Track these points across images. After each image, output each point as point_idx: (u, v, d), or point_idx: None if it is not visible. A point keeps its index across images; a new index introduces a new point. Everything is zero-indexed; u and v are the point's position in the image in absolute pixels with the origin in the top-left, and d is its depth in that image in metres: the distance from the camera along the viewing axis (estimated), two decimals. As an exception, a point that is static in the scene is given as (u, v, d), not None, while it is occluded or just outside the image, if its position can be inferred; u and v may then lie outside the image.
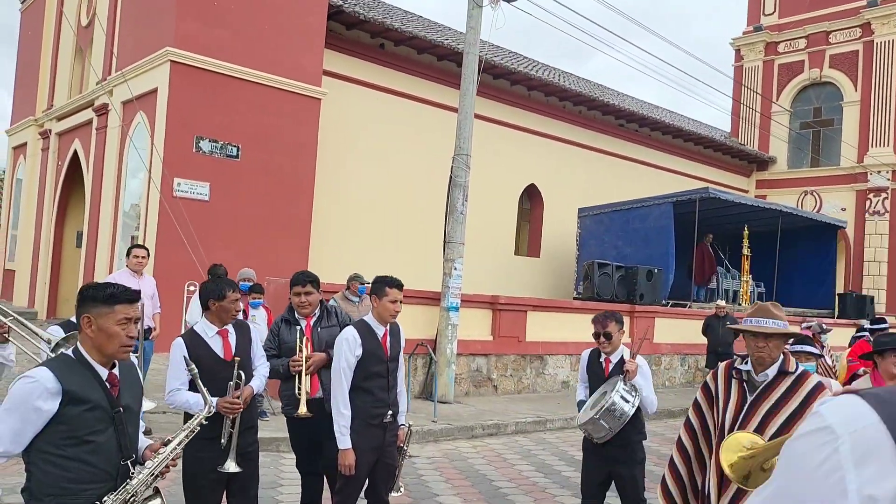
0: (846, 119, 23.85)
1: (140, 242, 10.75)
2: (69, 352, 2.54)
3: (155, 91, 12.29)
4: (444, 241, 10.30)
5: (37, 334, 3.78)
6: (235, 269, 10.38)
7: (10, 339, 3.66)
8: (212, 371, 3.68)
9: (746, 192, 24.38)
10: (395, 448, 4.23)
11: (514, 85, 17.75)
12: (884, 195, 22.60)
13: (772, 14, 26.04)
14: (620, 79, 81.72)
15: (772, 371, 3.06)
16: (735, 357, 3.29)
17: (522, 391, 11.62)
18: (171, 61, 12.07)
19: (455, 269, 10.10)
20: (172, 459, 2.65)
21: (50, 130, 17.83)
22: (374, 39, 15.30)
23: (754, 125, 25.93)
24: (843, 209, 23.04)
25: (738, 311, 14.89)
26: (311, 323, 4.58)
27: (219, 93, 12.52)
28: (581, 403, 4.88)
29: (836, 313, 19.07)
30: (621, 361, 4.52)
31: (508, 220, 18.02)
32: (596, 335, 4.56)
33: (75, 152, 16.33)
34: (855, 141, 23.34)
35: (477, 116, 14.47)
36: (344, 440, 3.93)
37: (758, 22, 26.34)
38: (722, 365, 3.28)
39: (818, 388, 3.03)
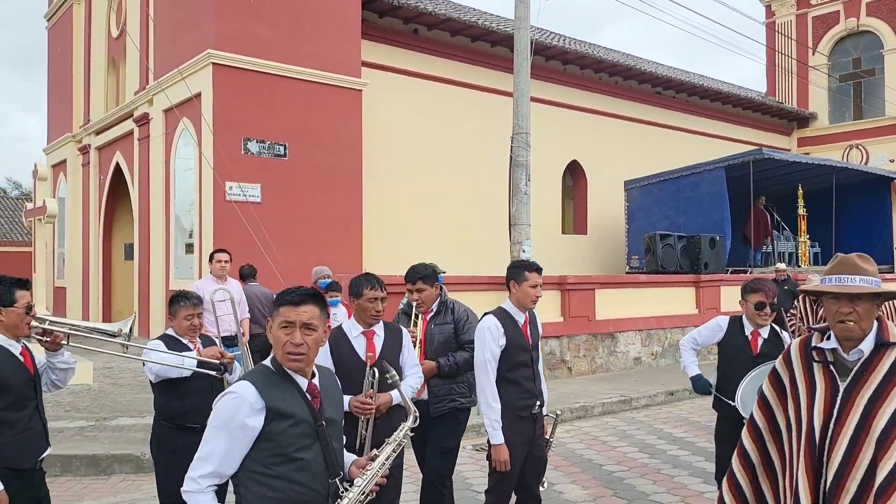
0: (888, 67, 23.09)
1: (207, 249, 10.64)
2: (268, 363, 2.35)
3: (198, 95, 12.14)
4: (510, 224, 10.04)
5: (103, 331, 3.71)
6: (294, 269, 10.30)
7: (64, 344, 3.49)
8: (351, 372, 3.53)
9: (788, 150, 23.76)
10: (542, 440, 4.04)
11: (549, 61, 17.36)
12: (935, 142, 21.89)
13: (800, -35, 25.27)
14: (636, 50, 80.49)
15: (867, 345, 2.30)
16: (811, 331, 2.52)
17: (596, 371, 11.39)
18: (214, 64, 11.92)
19: (524, 251, 9.85)
20: (382, 476, 2.45)
21: (89, 145, 17.83)
22: (408, 25, 15.03)
23: (791, 82, 25.25)
24: (892, 160, 22.35)
25: (800, 273, 14.51)
26: (427, 319, 4.39)
27: (262, 92, 12.35)
28: (698, 378, 4.55)
29: (896, 268, 18.54)
30: (775, 338, 4.23)
31: (553, 198, 17.70)
32: (761, 305, 4.21)
33: (117, 165, 16.30)
34: (900, 89, 22.61)
35: (509, 94, 14.28)
36: (497, 435, 3.74)
37: (788, -25, 25.58)
38: (794, 343, 2.54)
39: None
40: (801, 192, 16.66)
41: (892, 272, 17.86)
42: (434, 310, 4.42)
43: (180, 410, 3.83)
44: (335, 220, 13.01)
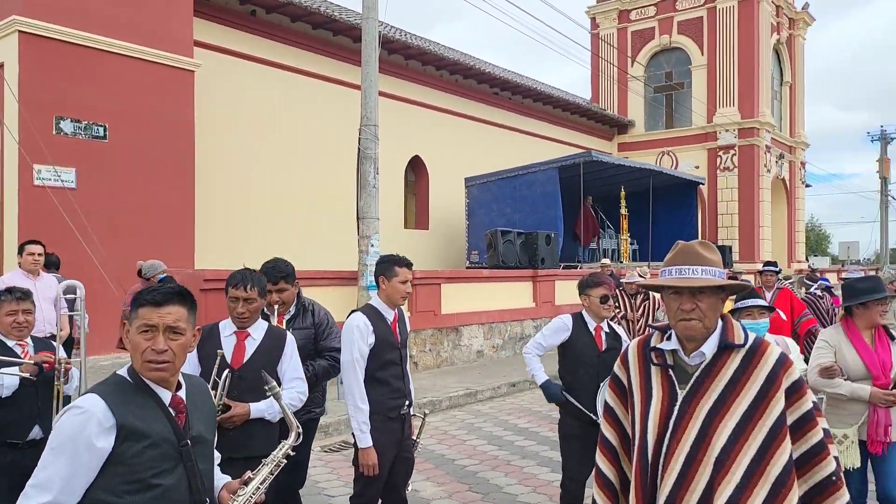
0: (695, 82, 25.54)
1: (11, 240, 9.36)
2: (124, 372, 1.99)
3: (1, 66, 10.68)
4: (358, 218, 9.81)
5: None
6: (117, 262, 9.36)
7: None
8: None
9: (611, 154, 25.54)
10: (410, 440, 3.89)
11: (392, 54, 17.27)
12: (732, 152, 24.52)
13: (622, -18, 27.22)
14: (468, 49, 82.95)
15: (709, 347, 2.03)
16: (651, 330, 2.24)
17: (441, 365, 11.47)
18: (20, 31, 10.52)
19: (372, 245, 9.66)
20: (256, 501, 2.16)
21: None
22: (245, 6, 14.24)
23: (613, 90, 27.16)
24: (697, 167, 24.74)
25: (621, 269, 15.59)
26: (283, 322, 4.03)
27: (79, 67, 11.10)
28: (548, 385, 4.22)
29: (701, 264, 20.52)
30: (612, 331, 4.21)
31: (396, 193, 17.66)
32: (605, 298, 4.14)
33: None
34: (704, 102, 25.07)
35: (354, 86, 14.01)
36: (365, 438, 3.54)
37: (610, -10, 27.45)
38: (633, 343, 2.26)
39: (783, 364, 2.02)
40: (623, 193, 17.94)
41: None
42: (291, 312, 4.10)
43: None
44: (164, 209, 12.02)
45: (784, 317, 7.35)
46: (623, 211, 18.04)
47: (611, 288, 4.22)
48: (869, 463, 3.85)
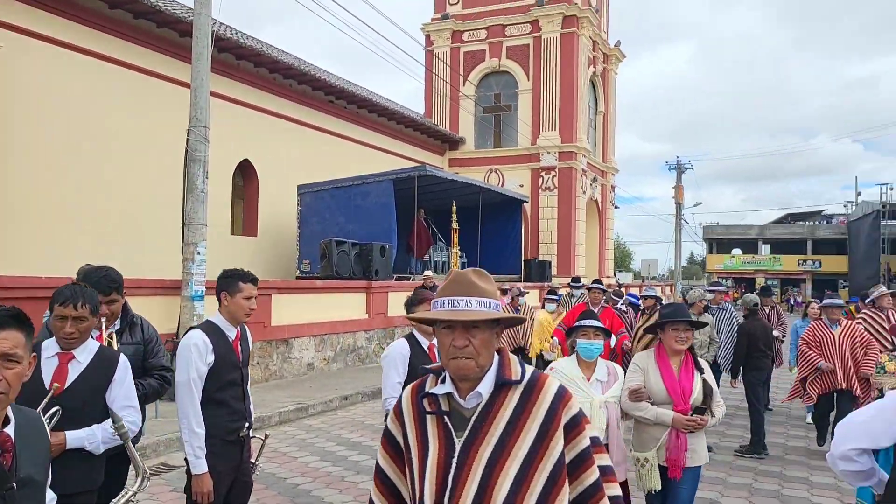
0: (521, 105, 26.96)
1: None
2: None
3: None
4: (183, 223, 9.22)
5: None
6: None
7: None
8: (28, 403, 2.78)
9: (442, 168, 26.21)
10: (249, 464, 3.69)
11: (223, 53, 16.50)
12: (553, 173, 26.12)
13: (456, 4, 28.13)
14: (303, 54, 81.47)
15: (485, 387, 1.85)
16: (426, 372, 2.01)
17: (270, 378, 11.06)
18: None
19: (198, 253, 9.12)
20: None
21: None
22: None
23: (446, 107, 27.93)
24: (521, 185, 26.10)
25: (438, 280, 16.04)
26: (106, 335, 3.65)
27: None
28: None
29: (523, 277, 21.65)
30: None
31: (223, 197, 16.84)
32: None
33: None
34: (529, 124, 26.53)
35: (182, 83, 13.20)
36: (200, 464, 3.29)
37: (444, 10, 28.27)
38: (405, 392, 2.02)
39: (562, 398, 1.87)
40: (454, 207, 18.45)
41: (521, 280, 20.80)
42: (117, 325, 3.74)
43: None
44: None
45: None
46: (454, 224, 18.54)
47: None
48: None
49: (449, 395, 1.88)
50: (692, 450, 3.86)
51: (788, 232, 53.67)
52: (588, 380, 3.87)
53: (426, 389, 1.92)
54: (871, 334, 7.56)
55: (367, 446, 7.69)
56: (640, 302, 10.09)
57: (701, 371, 3.97)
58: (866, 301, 9.30)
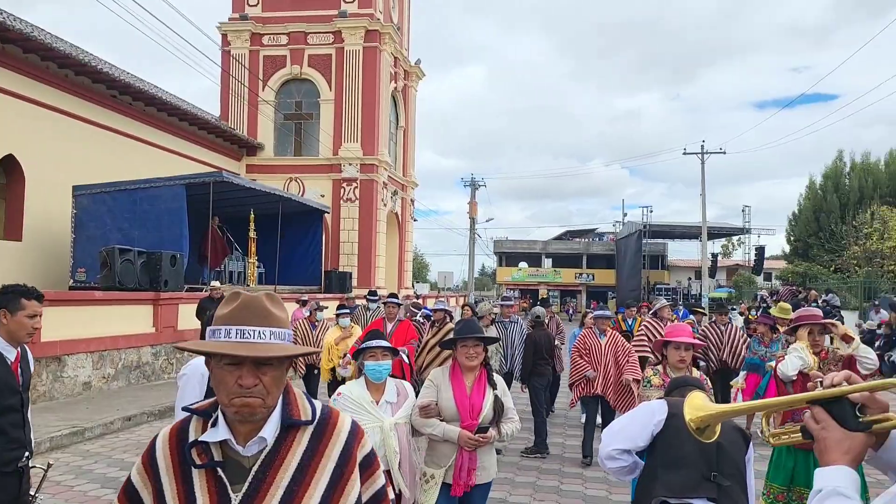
0: (323, 114, 26.82)
1: None
2: None
3: None
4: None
5: None
6: None
7: None
8: None
9: (238, 175, 25.24)
10: (28, 496, 3.33)
11: (-17, 33, 14.63)
12: (354, 185, 26.27)
13: (256, 6, 27.34)
14: (81, 41, 74.20)
15: (270, 430, 1.60)
16: (189, 413, 1.69)
17: (38, 400, 9.90)
18: None
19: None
20: None
21: None
22: None
23: (244, 111, 26.97)
24: (323, 196, 25.93)
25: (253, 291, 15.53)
26: None
27: None
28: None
29: (323, 288, 21.51)
30: None
31: (-20, 197, 14.87)
32: None
33: None
34: (330, 135, 26.47)
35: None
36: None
37: (243, 10, 27.34)
38: (160, 438, 1.68)
39: (356, 435, 1.71)
40: (252, 216, 17.87)
41: (321, 292, 20.65)
42: None
43: None
44: None
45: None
46: (252, 234, 17.95)
47: None
48: None
49: (223, 443, 1.59)
50: (482, 467, 3.86)
51: (567, 247, 58.71)
52: (377, 403, 3.76)
53: (192, 436, 1.60)
54: (651, 341, 8.40)
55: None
56: (432, 314, 10.43)
57: (494, 387, 3.95)
58: (650, 312, 10.65)
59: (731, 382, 9.41)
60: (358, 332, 8.92)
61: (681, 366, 4.06)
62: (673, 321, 8.95)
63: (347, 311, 9.30)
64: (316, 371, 9.34)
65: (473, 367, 3.89)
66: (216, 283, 12.49)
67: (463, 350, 3.88)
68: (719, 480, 2.88)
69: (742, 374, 9.08)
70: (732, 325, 10.18)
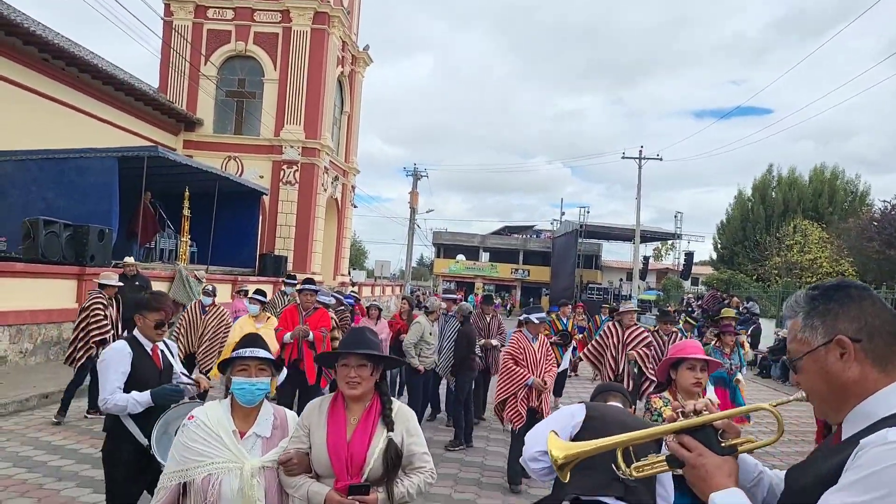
0: (266, 94, 26.31)
1: None
2: None
3: None
4: None
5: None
6: None
7: None
8: None
9: (174, 150, 24.54)
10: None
11: None
12: (295, 168, 25.91)
13: (202, -24, 26.57)
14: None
15: None
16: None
17: (-53, 374, 9.49)
18: None
19: None
20: None
21: None
22: None
23: (183, 84, 26.22)
24: (262, 177, 25.47)
25: (154, 270, 15.21)
26: None
27: None
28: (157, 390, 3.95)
29: (258, 271, 21.19)
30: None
31: None
32: (160, 324, 4.10)
33: None
34: (273, 115, 26.00)
35: None
36: None
37: (189, -19, 26.53)
38: None
39: None
40: (187, 193, 17.43)
41: (255, 275, 20.33)
42: None
43: None
44: None
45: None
46: (186, 212, 17.51)
47: (166, 314, 4.11)
48: None
49: None
50: None
51: (505, 243, 59.37)
52: (242, 435, 2.76)
53: None
54: (604, 345, 8.20)
55: (71, 449, 7.02)
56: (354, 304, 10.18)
57: (389, 427, 2.76)
58: (614, 315, 9.56)
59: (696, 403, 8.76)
60: (273, 322, 8.09)
61: (695, 389, 3.61)
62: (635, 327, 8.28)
63: (262, 298, 8.42)
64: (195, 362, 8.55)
65: (359, 398, 2.78)
66: (129, 259, 11.68)
67: (343, 372, 2.76)
68: (626, 481, 3.04)
69: (710, 388, 7.84)
70: (679, 336, 8.93)
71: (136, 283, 10.90)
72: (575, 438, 3.23)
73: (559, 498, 3.19)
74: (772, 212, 40.46)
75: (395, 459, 2.71)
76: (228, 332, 8.59)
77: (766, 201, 41.64)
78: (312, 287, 7.79)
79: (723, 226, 44.82)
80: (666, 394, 3.83)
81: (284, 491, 2.76)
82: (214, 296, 9.01)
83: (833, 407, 1.46)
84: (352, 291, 16.86)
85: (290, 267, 24.03)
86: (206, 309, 8.86)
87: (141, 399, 3.87)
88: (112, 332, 8.52)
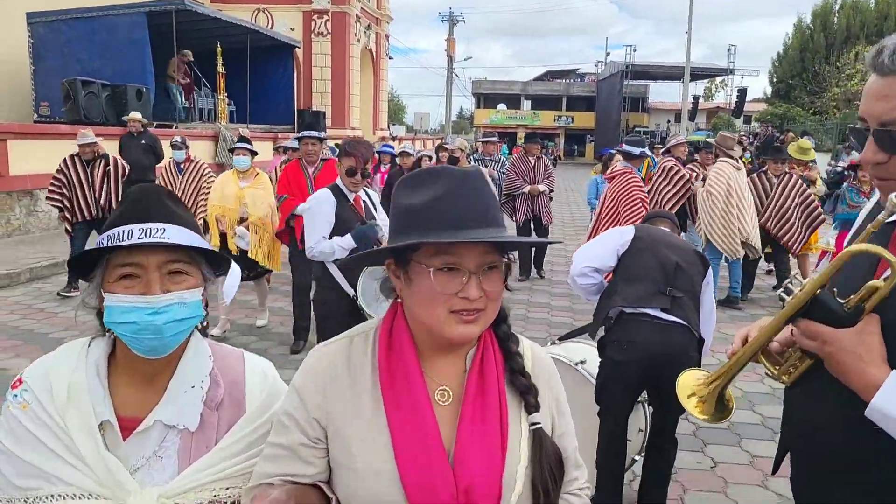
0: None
1: None
2: None
3: None
4: None
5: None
6: None
7: None
8: None
9: (202, 2, 23.73)
10: None
11: None
12: (326, 17, 24.94)
13: None
14: None
15: None
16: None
17: (13, 234, 9.93)
18: None
19: None
20: None
21: None
22: None
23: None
24: (293, 29, 24.64)
25: (195, 130, 15.18)
26: None
27: None
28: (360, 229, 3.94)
29: (297, 128, 21.06)
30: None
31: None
32: (352, 171, 3.99)
33: None
34: (300, -38, 24.71)
35: None
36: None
37: None
38: None
39: None
40: (220, 49, 17.04)
41: (294, 131, 20.24)
42: None
43: None
44: None
45: None
46: (220, 69, 17.20)
47: (357, 160, 3.96)
48: None
49: None
50: None
51: (547, 89, 57.49)
52: (129, 429, 1.25)
53: None
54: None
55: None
56: (399, 160, 9.42)
57: (530, 401, 1.21)
58: (661, 151, 9.67)
59: (815, 246, 8.00)
60: (265, 179, 6.25)
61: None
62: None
63: (250, 147, 6.22)
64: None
65: (469, 339, 1.19)
66: (136, 115, 10.67)
67: (445, 284, 1.12)
68: (673, 293, 3.12)
69: (833, 232, 7.40)
70: (792, 178, 7.75)
71: (143, 140, 9.75)
72: (623, 257, 3.28)
73: (604, 311, 3.23)
74: (833, 39, 37.86)
75: (554, 473, 1.19)
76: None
77: (827, 28, 38.86)
78: (315, 133, 5.90)
79: (779, 58, 42.24)
80: None
81: None
82: (187, 148, 7.79)
83: None
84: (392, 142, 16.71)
85: (328, 122, 23.82)
86: (182, 166, 7.67)
87: (344, 244, 3.92)
88: (73, 196, 7.49)
